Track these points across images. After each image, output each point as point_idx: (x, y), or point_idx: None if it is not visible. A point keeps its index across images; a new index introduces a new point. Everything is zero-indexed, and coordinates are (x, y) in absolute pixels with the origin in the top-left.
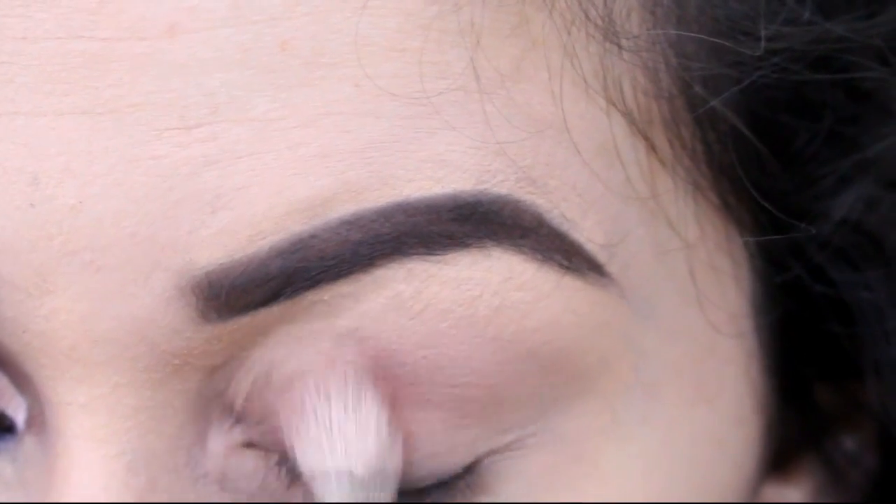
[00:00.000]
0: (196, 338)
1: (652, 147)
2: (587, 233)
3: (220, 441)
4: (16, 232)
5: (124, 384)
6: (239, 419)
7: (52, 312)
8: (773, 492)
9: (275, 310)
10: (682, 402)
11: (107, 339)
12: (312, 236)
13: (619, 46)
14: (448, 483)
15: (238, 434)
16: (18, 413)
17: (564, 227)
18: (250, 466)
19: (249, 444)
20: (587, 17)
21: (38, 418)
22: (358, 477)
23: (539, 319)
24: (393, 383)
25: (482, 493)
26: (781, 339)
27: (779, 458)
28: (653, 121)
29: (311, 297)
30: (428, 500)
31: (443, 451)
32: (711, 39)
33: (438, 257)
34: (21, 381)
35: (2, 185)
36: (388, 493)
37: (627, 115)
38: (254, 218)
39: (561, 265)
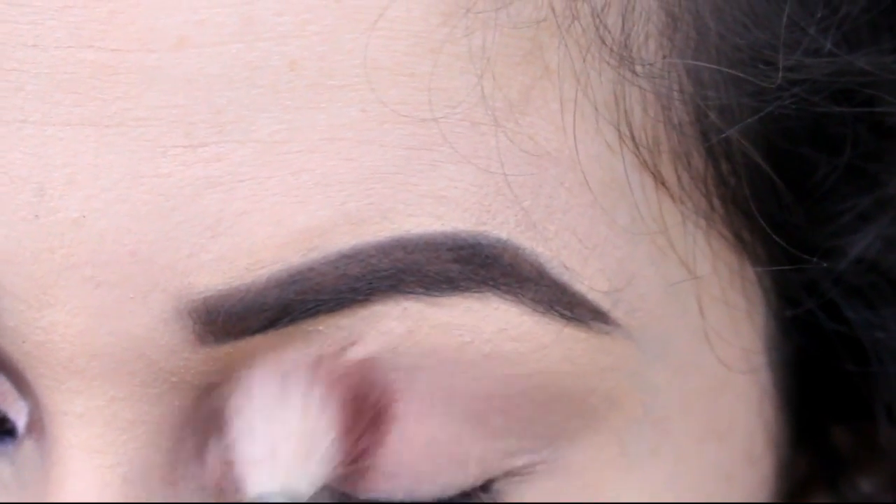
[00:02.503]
0: (193, 358)
1: (661, 181)
2: (589, 281)
3: (218, 455)
4: (19, 243)
5: (121, 398)
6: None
7: (51, 325)
8: None
9: (270, 336)
10: (691, 437)
11: (104, 353)
12: (311, 269)
13: (634, 73)
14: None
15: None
16: (20, 417)
17: (565, 277)
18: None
19: None
20: (603, 42)
21: (37, 424)
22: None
23: (533, 368)
24: (383, 398)
25: None
26: (796, 377)
27: (793, 499)
28: (662, 152)
29: (306, 326)
30: None
31: (448, 467)
32: (730, 70)
33: (434, 299)
34: (23, 386)
35: (8, 194)
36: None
37: (636, 148)
38: (253, 246)
39: (563, 316)
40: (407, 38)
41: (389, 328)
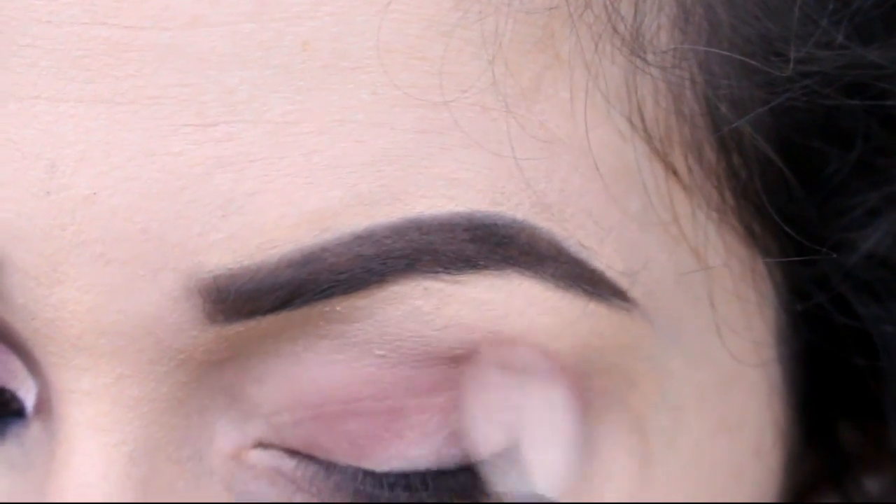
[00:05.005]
0: (202, 337)
1: (672, 171)
2: (606, 260)
3: (230, 438)
4: (30, 219)
5: (128, 375)
6: (252, 416)
7: (60, 302)
8: None
9: (284, 316)
10: (705, 430)
11: (113, 330)
12: (323, 249)
13: (646, 62)
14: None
15: (251, 431)
16: (28, 397)
17: (583, 254)
18: (263, 465)
19: (261, 444)
20: (615, 30)
21: (45, 404)
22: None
23: (567, 343)
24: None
25: None
26: (805, 372)
27: (797, 497)
28: (673, 143)
29: (322, 307)
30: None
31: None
32: (742, 59)
33: (454, 277)
34: (32, 364)
35: (20, 170)
36: None
37: (647, 137)
38: (264, 226)
39: (585, 291)
40: (419, 21)
41: (415, 306)
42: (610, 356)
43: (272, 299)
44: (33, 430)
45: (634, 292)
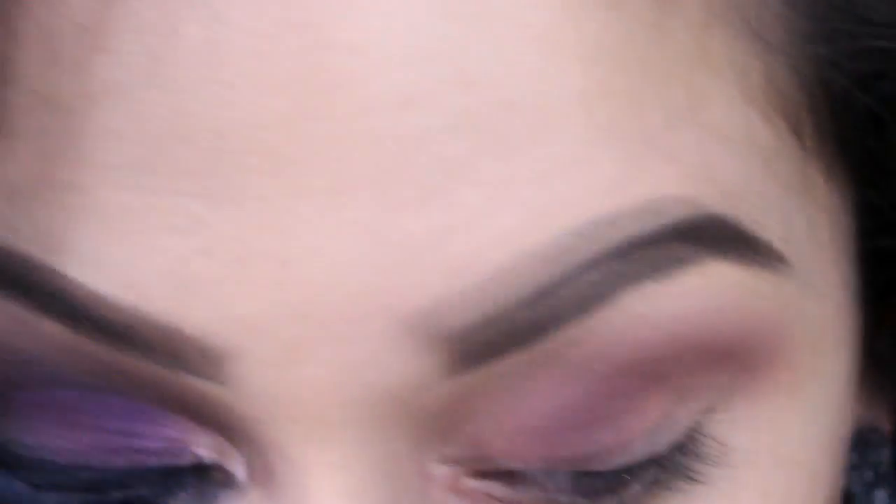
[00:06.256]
0: (441, 390)
1: (801, 140)
2: (772, 231)
3: (446, 472)
4: (266, 312)
5: (373, 440)
6: (467, 448)
7: (301, 381)
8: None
9: (521, 353)
10: (829, 353)
11: (356, 402)
12: (555, 284)
13: (770, 44)
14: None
15: (466, 462)
16: (238, 467)
17: (757, 230)
18: (478, 492)
19: (475, 472)
20: (748, 23)
21: (261, 471)
22: None
23: (748, 312)
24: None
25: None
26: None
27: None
28: (804, 120)
29: (553, 337)
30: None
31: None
32: (855, 28)
33: (667, 278)
34: (238, 437)
35: (252, 267)
36: None
37: (783, 113)
38: (497, 275)
39: (760, 264)
40: (607, 62)
41: (637, 313)
42: (775, 318)
43: (511, 340)
44: (251, 499)
45: (790, 254)
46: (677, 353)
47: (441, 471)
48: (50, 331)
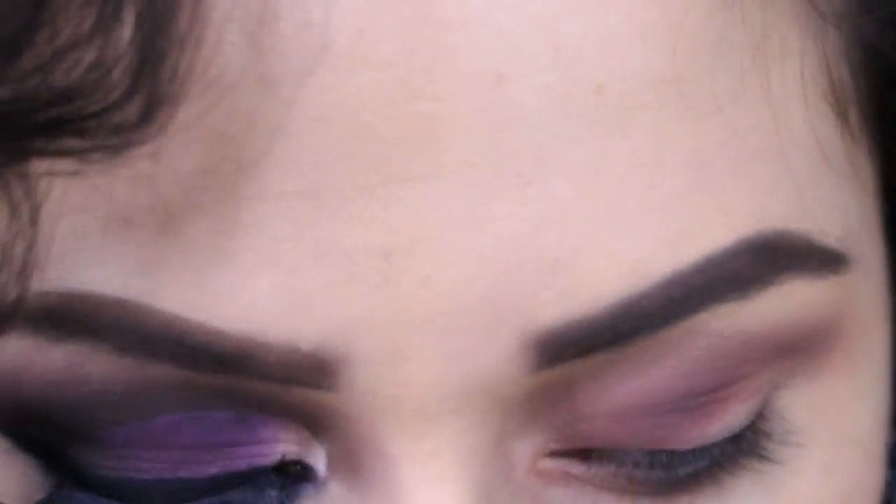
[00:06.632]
0: (531, 384)
1: (850, 130)
2: (835, 233)
3: (527, 451)
4: (371, 310)
5: (465, 428)
6: (547, 431)
7: (405, 379)
8: None
9: (599, 357)
10: (878, 333)
11: (453, 395)
12: (640, 297)
13: (833, 27)
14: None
15: (545, 443)
16: (318, 461)
17: (824, 239)
18: (556, 471)
19: (552, 452)
20: (817, 9)
21: (341, 463)
22: None
23: (815, 318)
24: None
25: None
26: None
27: None
28: (849, 102)
29: (632, 346)
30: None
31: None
32: None
33: (742, 296)
34: (319, 428)
35: (355, 263)
36: None
37: (836, 104)
38: (590, 281)
39: (826, 270)
40: (690, 53)
41: (712, 331)
42: (837, 312)
43: (596, 344)
44: (331, 491)
45: (849, 251)
46: (755, 357)
47: (523, 452)
48: (166, 373)
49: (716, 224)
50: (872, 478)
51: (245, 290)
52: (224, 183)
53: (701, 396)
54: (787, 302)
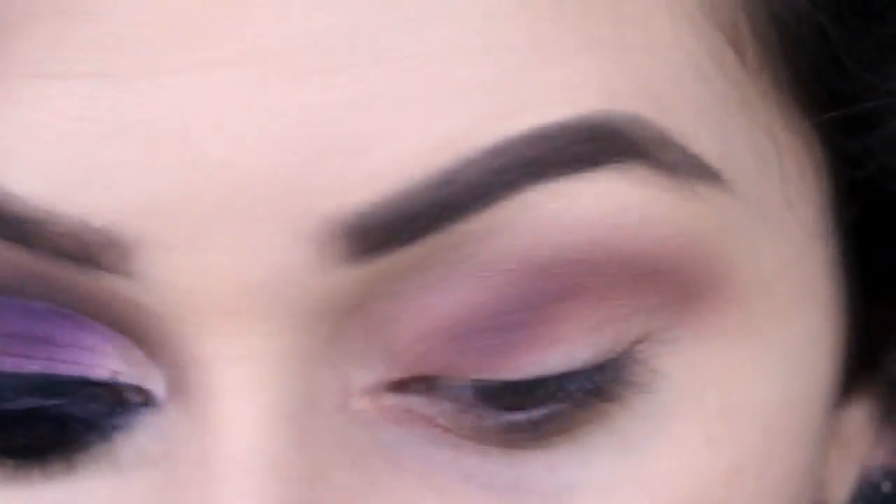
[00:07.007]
0: (344, 280)
1: (741, 55)
2: (703, 144)
3: (367, 384)
4: (168, 192)
5: (275, 332)
6: (385, 357)
7: (205, 267)
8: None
9: (425, 244)
10: (793, 302)
11: (259, 289)
12: (458, 170)
13: None
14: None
15: (385, 373)
16: (157, 384)
17: (686, 140)
18: (399, 408)
19: (395, 385)
20: None
21: (178, 385)
22: None
23: (677, 227)
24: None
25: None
26: (859, 245)
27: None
28: (741, 29)
29: (461, 228)
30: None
31: (602, 331)
32: None
33: (580, 175)
34: (157, 350)
35: (153, 146)
36: None
37: (718, 25)
38: (399, 157)
39: (689, 175)
40: None
41: (548, 209)
42: (713, 240)
43: (414, 227)
44: (170, 414)
45: (728, 174)
46: (595, 260)
47: (361, 381)
48: None
49: (553, 99)
50: (782, 460)
51: (41, 162)
52: (28, 59)
53: (537, 308)
54: (634, 192)
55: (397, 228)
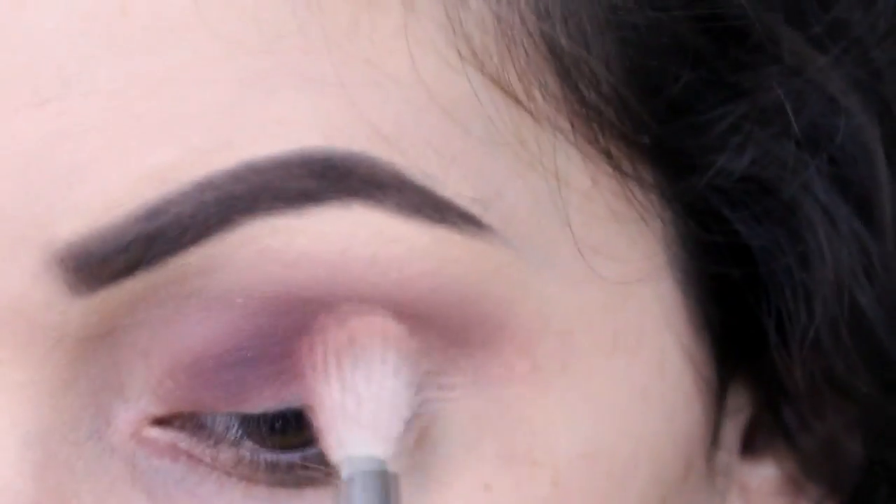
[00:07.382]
0: (70, 311)
1: (514, 98)
2: (453, 187)
3: (128, 417)
4: None
5: (8, 360)
6: (144, 392)
7: None
8: (744, 470)
9: (145, 277)
10: (599, 352)
11: None
12: (167, 202)
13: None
14: None
15: (146, 407)
16: None
17: (427, 182)
18: (162, 442)
19: (158, 420)
20: None
21: None
22: None
23: (420, 269)
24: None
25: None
26: (715, 297)
27: (747, 437)
28: (510, 72)
29: (179, 261)
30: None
31: None
32: None
33: (299, 212)
34: None
35: None
36: None
37: (480, 65)
38: (108, 188)
39: (431, 218)
40: None
41: (266, 245)
42: (476, 284)
43: (126, 258)
44: None
45: (489, 218)
46: (327, 298)
47: (123, 413)
48: None
49: (264, 134)
50: None
51: None
52: None
53: (280, 342)
54: (363, 232)
55: (110, 260)
